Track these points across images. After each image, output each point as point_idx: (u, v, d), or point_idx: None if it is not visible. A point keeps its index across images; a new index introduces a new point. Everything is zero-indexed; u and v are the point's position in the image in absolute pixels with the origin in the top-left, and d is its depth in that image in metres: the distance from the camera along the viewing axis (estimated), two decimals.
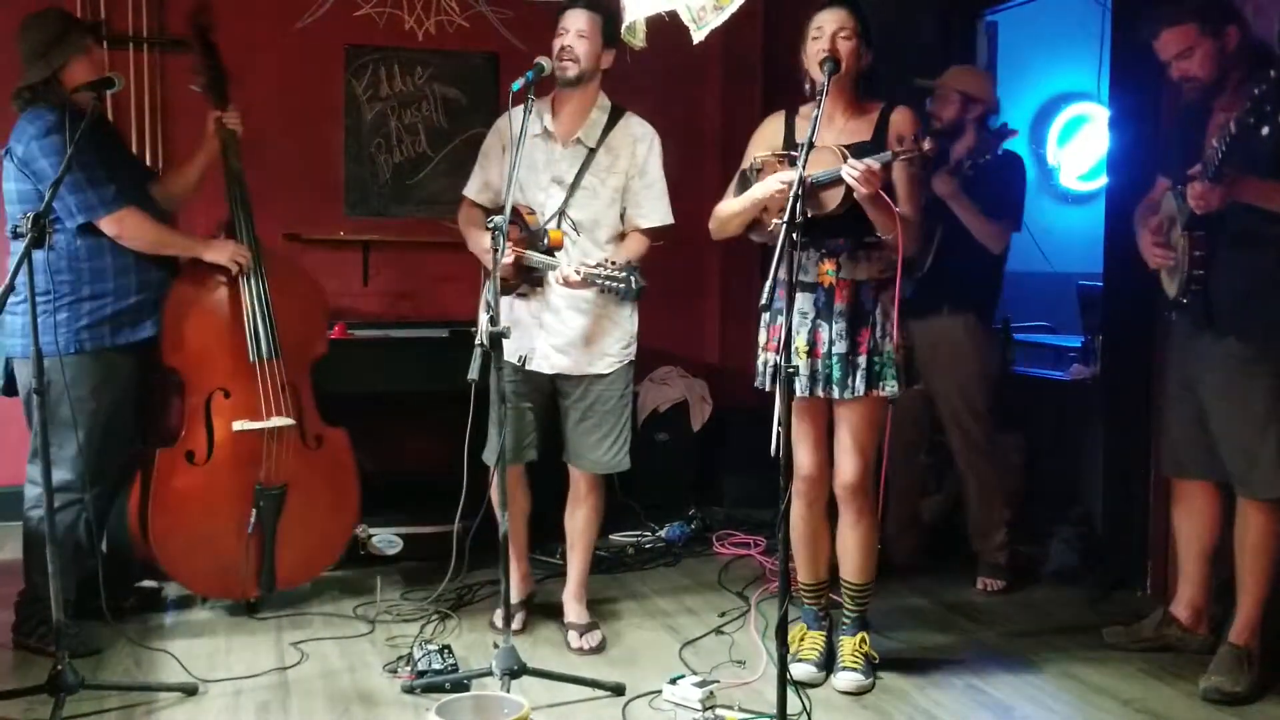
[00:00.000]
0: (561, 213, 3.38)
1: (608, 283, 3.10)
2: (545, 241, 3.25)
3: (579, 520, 3.57)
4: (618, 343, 3.46)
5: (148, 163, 4.56)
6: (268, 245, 3.76)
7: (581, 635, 3.47)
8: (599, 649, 3.45)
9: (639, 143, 3.42)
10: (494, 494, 3.15)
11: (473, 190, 3.55)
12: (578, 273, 3.15)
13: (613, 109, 3.45)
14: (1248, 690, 3.06)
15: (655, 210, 3.43)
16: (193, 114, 4.57)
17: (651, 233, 3.45)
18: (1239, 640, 3.15)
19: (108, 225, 3.37)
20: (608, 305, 3.41)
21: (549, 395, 3.51)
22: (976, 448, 4.06)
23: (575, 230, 3.37)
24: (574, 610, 3.58)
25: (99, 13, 4.62)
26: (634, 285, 3.07)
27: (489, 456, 3.43)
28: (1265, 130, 2.74)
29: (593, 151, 3.39)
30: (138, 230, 3.42)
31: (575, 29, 3.31)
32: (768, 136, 3.21)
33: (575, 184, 3.38)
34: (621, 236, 3.46)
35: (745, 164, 3.18)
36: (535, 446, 3.56)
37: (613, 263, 3.15)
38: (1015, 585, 4.04)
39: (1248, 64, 3.04)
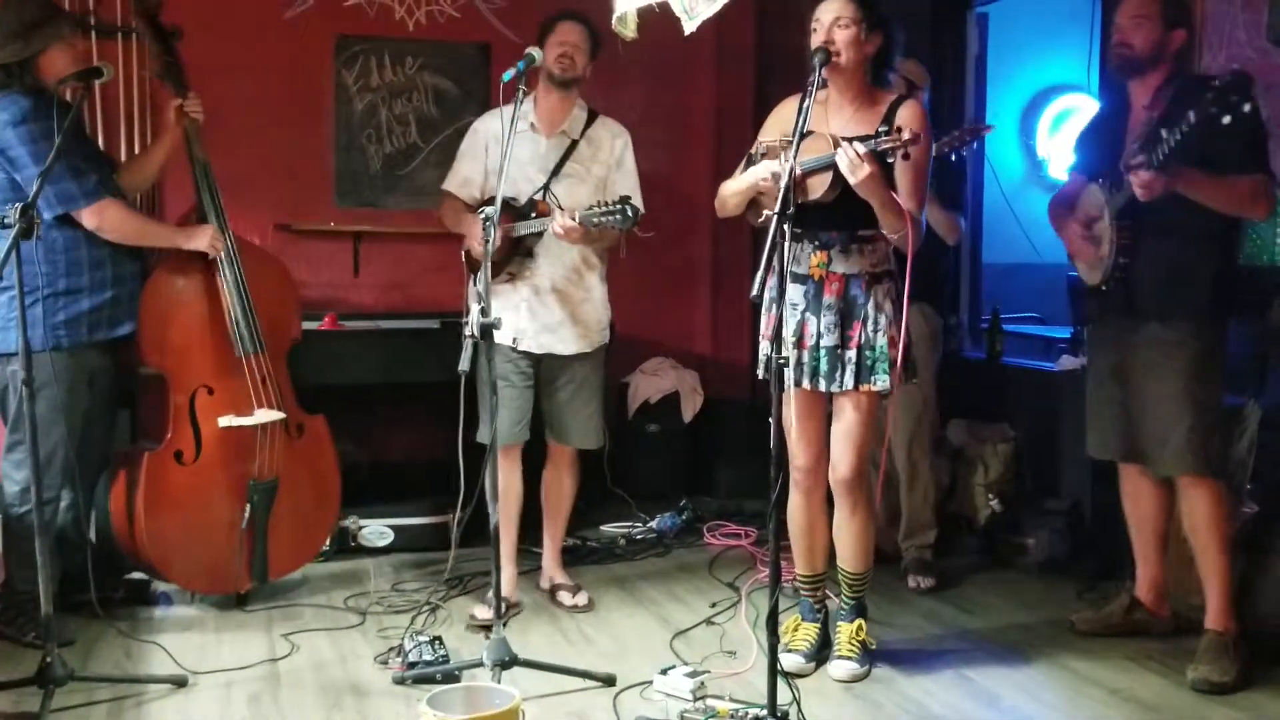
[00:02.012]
0: (546, 188, 3.58)
1: (605, 219, 3.32)
2: (533, 214, 3.49)
3: (565, 490, 3.79)
4: (598, 322, 3.71)
5: (136, 152, 4.49)
6: (235, 233, 3.61)
7: (574, 595, 3.73)
8: (590, 606, 3.68)
9: (617, 138, 3.71)
10: (488, 483, 3.17)
11: (454, 185, 3.74)
12: (573, 218, 3.35)
13: (589, 111, 3.71)
14: (1234, 679, 3.07)
15: (632, 198, 3.59)
16: None
17: None
18: (1217, 625, 3.17)
19: (88, 216, 3.25)
20: (590, 287, 3.66)
21: (534, 377, 3.66)
22: (920, 444, 4.06)
23: (560, 208, 3.50)
24: (560, 573, 3.82)
25: (88, 3, 4.59)
26: (629, 212, 3.29)
27: (484, 436, 3.53)
28: (1226, 120, 2.80)
29: (575, 142, 3.64)
30: (118, 221, 3.31)
31: (574, 40, 3.58)
32: (782, 121, 3.19)
33: (559, 168, 3.61)
34: None
35: (754, 147, 3.18)
36: (528, 426, 3.71)
37: (602, 202, 3.36)
38: (943, 582, 3.98)
39: (1172, 73, 3.17)
